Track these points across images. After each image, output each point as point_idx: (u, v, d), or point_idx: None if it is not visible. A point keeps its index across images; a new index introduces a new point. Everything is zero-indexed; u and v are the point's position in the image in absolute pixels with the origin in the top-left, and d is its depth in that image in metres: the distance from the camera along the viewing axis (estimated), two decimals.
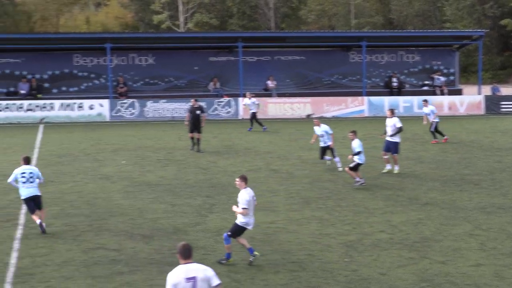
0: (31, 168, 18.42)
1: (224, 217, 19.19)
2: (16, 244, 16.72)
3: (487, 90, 52.81)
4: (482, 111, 46.66)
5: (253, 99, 38.94)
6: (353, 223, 18.82)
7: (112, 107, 43.24)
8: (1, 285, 14.11)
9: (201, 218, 19.29)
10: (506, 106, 47.32)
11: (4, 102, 42.87)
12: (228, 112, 44.41)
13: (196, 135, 30.74)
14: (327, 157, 26.94)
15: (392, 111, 26.53)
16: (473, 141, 33.84)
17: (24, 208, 19.82)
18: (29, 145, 32.51)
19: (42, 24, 69.66)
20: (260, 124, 38.09)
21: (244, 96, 40.17)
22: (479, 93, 48.32)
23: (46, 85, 46.43)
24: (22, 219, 19.03)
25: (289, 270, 15.05)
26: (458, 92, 49.91)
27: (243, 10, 72.07)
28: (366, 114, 45.24)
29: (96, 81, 46.99)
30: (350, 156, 23.42)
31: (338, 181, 24.26)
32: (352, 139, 23.50)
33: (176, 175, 25.23)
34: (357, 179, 23.25)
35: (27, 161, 18.62)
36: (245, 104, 39.25)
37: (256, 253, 15.54)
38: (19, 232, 17.69)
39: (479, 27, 71.31)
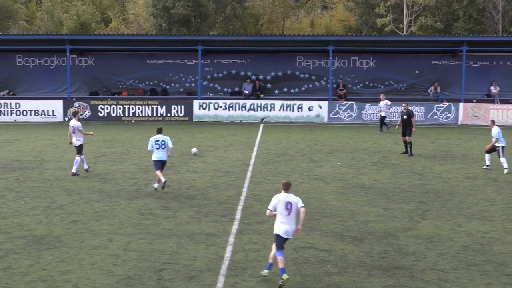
0: (163, 137, 23.12)
1: (437, 224, 18.86)
2: (231, 239, 17.41)
3: None
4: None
5: (386, 101, 38.29)
6: None
7: (330, 109, 43.76)
8: (216, 276, 14.75)
9: (413, 223, 19.08)
10: None
11: (228, 101, 44.70)
12: (447, 117, 43.49)
13: (406, 138, 30.60)
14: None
15: None
16: None
17: (241, 204, 20.78)
18: (250, 143, 33.68)
19: (268, 27, 71.65)
20: (381, 125, 38.45)
21: (470, 101, 39.16)
22: None
23: (268, 85, 47.88)
24: (238, 214, 19.79)
25: (502, 283, 14.54)
26: None
27: (470, 13, 70.18)
28: None
29: (317, 83, 47.80)
30: None
31: None
32: None
33: (390, 179, 25.12)
34: None
35: (160, 131, 23.32)
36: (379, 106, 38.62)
37: (285, 276, 14.13)
38: (234, 227, 18.40)
39: None
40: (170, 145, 23.30)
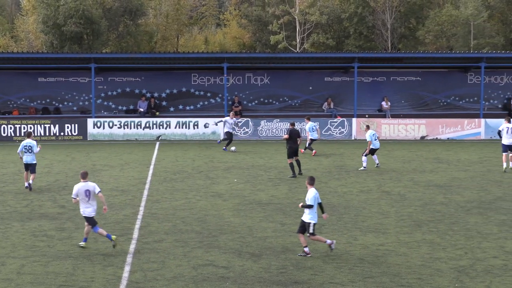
0: (31, 142, 26.06)
1: (333, 238, 19.11)
2: (129, 258, 17.17)
3: None
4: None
5: (234, 119, 38.95)
6: (465, 247, 18.40)
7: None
8: None
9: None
10: None
11: (123, 120, 44.21)
12: (341, 133, 44.29)
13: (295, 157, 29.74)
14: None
15: (508, 119, 31.18)
16: None
17: (138, 223, 20.57)
18: (146, 162, 33.38)
19: (162, 44, 71.25)
20: (225, 141, 38.31)
21: (363, 116, 39.96)
22: None
23: (164, 103, 47.65)
24: (135, 233, 19.56)
25: None
26: None
27: (360, 30, 71.82)
28: (482, 136, 44.18)
29: (212, 100, 47.89)
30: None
31: (451, 204, 23.79)
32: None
33: (287, 194, 25.35)
34: (306, 249, 17.62)
35: (29, 135, 26.88)
36: (222, 121, 39.28)
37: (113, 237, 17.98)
38: (132, 247, 18.17)
39: None
40: (35, 150, 26.16)
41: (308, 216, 17.73)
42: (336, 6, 68.65)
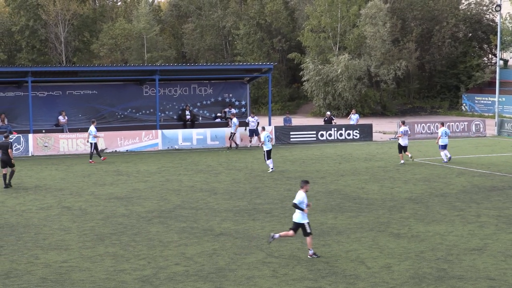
0: None
1: (13, 259, 18.41)
2: None
3: (277, 121, 54.72)
4: (273, 141, 48.00)
5: None
6: (148, 257, 18.68)
7: None
8: None
9: None
10: (295, 136, 49.08)
11: None
12: (17, 149, 42.72)
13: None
14: None
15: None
16: (264, 171, 34.71)
17: None
18: None
19: None
20: None
21: (39, 132, 38.89)
22: (269, 124, 49.74)
23: None
24: None
25: None
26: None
27: (33, 44, 70.33)
28: (160, 147, 45.24)
29: None
30: None
31: (132, 216, 24.03)
32: None
33: None
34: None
35: None
36: None
37: None
38: None
39: (268, 60, 73.92)
40: None
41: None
42: (6, 19, 66.59)
